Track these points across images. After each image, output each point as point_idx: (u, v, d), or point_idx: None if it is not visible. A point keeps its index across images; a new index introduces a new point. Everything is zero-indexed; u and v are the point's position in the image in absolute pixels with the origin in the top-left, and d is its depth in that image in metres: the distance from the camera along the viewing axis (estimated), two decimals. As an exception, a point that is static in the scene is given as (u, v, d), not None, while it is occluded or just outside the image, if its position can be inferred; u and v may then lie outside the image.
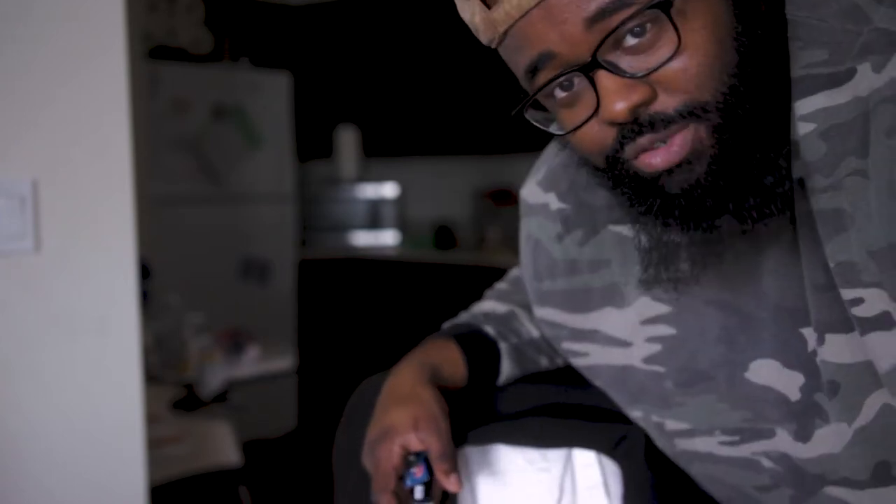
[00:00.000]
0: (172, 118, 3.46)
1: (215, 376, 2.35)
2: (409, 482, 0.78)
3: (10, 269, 1.15)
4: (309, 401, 3.76)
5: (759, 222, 0.60)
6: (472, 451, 0.87)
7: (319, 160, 4.35)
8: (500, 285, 1.04)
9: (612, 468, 0.86)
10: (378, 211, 4.28)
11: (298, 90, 4.01)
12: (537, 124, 0.63)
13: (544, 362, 0.96)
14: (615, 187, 0.63)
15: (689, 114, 0.57)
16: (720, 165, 0.58)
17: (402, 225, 4.32)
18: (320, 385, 3.82)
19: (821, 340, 0.64)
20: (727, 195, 0.59)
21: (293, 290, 3.93)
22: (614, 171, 0.62)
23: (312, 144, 4.25)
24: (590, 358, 0.83)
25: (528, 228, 0.87)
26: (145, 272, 2.23)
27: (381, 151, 4.22)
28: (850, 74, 0.58)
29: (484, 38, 0.63)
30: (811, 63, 0.60)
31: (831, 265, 0.60)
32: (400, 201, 4.31)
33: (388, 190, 4.28)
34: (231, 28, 3.99)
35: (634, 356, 0.78)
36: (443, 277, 3.72)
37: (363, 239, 4.26)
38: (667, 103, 0.57)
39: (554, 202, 0.83)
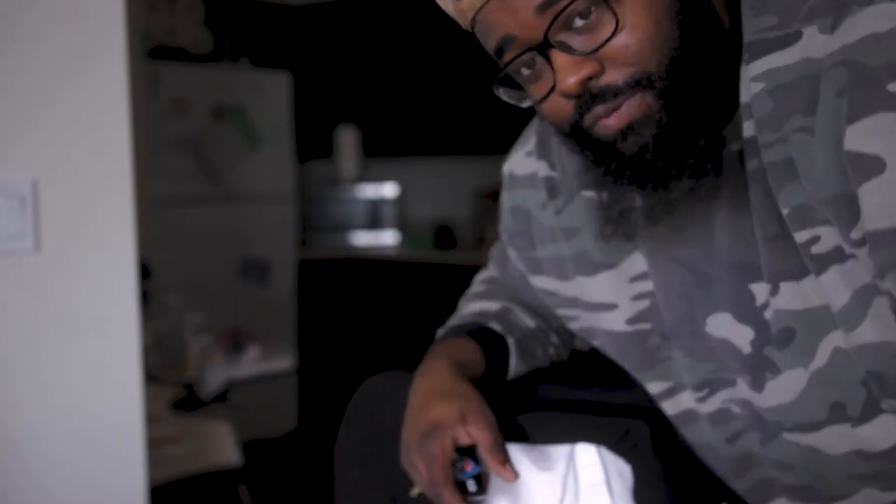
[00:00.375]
0: (172, 118, 3.46)
1: (215, 376, 2.34)
2: (460, 476, 0.78)
3: (10, 269, 1.15)
4: (309, 401, 3.76)
5: (697, 180, 0.66)
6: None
7: (319, 160, 4.35)
8: (476, 289, 1.05)
9: (615, 467, 0.86)
10: (378, 211, 4.28)
11: (298, 90, 4.01)
12: (510, 100, 0.72)
13: (540, 352, 0.98)
14: (582, 151, 0.70)
15: (636, 83, 0.64)
16: (667, 131, 0.64)
17: (402, 225, 4.32)
18: (320, 385, 3.82)
19: (775, 290, 0.69)
20: (671, 157, 0.65)
21: (293, 290, 3.92)
22: (578, 137, 0.69)
23: (312, 144, 4.25)
24: (581, 321, 0.87)
25: (515, 200, 0.92)
26: (145, 272, 2.23)
27: (381, 151, 4.22)
28: (797, 36, 0.63)
29: (463, 25, 0.70)
30: (762, 28, 0.65)
31: (784, 212, 0.65)
32: (400, 201, 4.31)
33: (388, 190, 4.28)
34: (231, 28, 3.98)
35: (618, 319, 0.82)
36: (443, 277, 3.71)
37: (363, 239, 4.26)
38: (615, 76, 0.64)
39: (543, 170, 0.88)
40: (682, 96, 0.64)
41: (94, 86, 1.20)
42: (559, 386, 0.94)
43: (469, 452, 0.79)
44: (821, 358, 0.68)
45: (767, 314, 0.70)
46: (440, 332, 0.99)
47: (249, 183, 3.72)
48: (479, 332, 0.94)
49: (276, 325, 3.76)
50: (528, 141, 0.92)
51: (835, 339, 0.67)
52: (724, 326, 0.74)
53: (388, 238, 4.26)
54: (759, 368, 0.73)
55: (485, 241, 3.90)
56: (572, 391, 0.91)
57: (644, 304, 0.80)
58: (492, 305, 0.98)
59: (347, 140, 4.21)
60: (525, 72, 0.69)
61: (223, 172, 3.63)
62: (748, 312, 0.72)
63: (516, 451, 0.86)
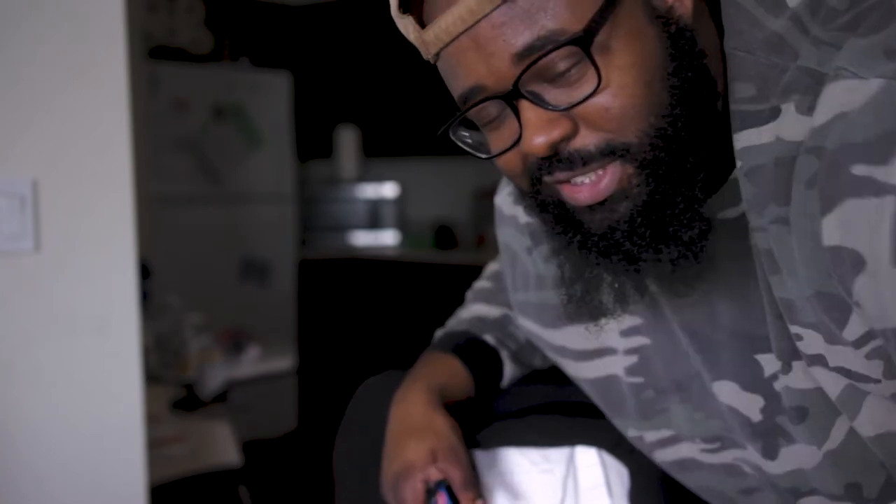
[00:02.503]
0: (172, 118, 3.46)
1: (215, 376, 2.34)
2: None
3: (10, 269, 1.15)
4: (309, 401, 3.76)
5: (675, 267, 0.59)
6: (474, 454, 0.87)
7: (319, 160, 4.35)
8: (483, 284, 1.02)
9: (615, 469, 0.86)
10: (378, 211, 4.28)
11: (298, 90, 4.01)
12: (466, 147, 0.63)
13: (538, 363, 0.97)
14: (541, 212, 0.63)
15: (611, 153, 0.56)
16: (642, 211, 0.57)
17: (402, 225, 4.31)
18: (320, 385, 3.82)
19: (787, 367, 0.63)
20: (646, 242, 0.58)
21: (293, 290, 3.92)
22: (538, 196, 0.62)
23: (312, 144, 4.24)
24: (568, 370, 0.84)
25: (505, 238, 0.87)
26: (145, 272, 2.23)
27: (381, 151, 4.22)
28: (774, 114, 0.57)
29: (423, 56, 0.63)
30: (741, 98, 0.59)
31: (777, 298, 0.60)
32: (400, 201, 4.30)
33: (388, 190, 4.28)
34: (231, 28, 3.98)
35: (618, 365, 0.78)
36: (443, 277, 3.71)
37: (363, 239, 4.26)
38: (587, 139, 0.57)
39: (521, 216, 0.83)
40: (666, 172, 0.57)
41: (94, 86, 1.20)
42: (557, 386, 0.93)
43: (446, 482, 0.79)
44: (835, 439, 0.64)
45: (777, 386, 0.66)
46: (438, 333, 0.98)
47: (249, 183, 3.72)
48: (471, 345, 0.91)
49: (276, 325, 3.75)
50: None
51: (848, 421, 0.63)
52: (731, 394, 0.69)
53: (388, 238, 4.26)
54: (772, 436, 0.68)
55: (485, 241, 3.90)
56: (570, 391, 0.91)
57: (634, 358, 0.75)
58: (492, 312, 0.96)
59: (347, 140, 4.21)
60: (487, 117, 0.61)
61: (223, 172, 3.63)
62: (756, 382, 0.67)
63: (516, 454, 0.86)
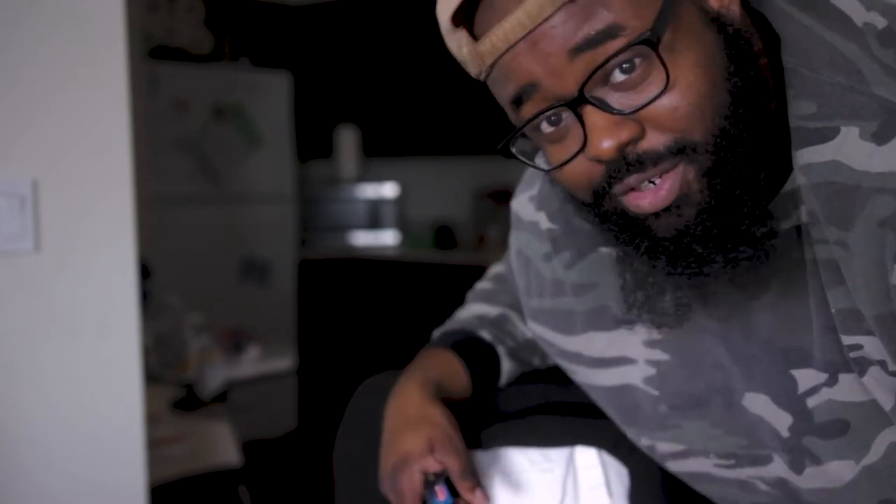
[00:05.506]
0: (172, 118, 3.46)
1: (215, 376, 2.34)
2: None
3: (10, 269, 1.15)
4: (309, 401, 3.76)
5: (750, 271, 0.59)
6: (474, 454, 0.87)
7: (319, 160, 4.35)
8: (484, 285, 1.02)
9: (615, 469, 0.86)
10: (378, 211, 4.28)
11: (298, 90, 4.01)
12: (523, 159, 0.63)
13: (537, 362, 0.96)
14: (602, 223, 0.62)
15: (679, 151, 0.56)
16: (710, 213, 0.57)
17: (402, 225, 4.31)
18: (320, 385, 3.82)
19: (832, 380, 0.64)
20: (717, 244, 0.58)
21: (293, 290, 3.92)
22: (601, 207, 0.61)
23: (312, 144, 4.25)
24: (578, 376, 0.84)
25: (519, 243, 0.87)
26: (145, 272, 2.23)
27: (381, 151, 4.22)
28: (833, 133, 0.57)
29: (472, 71, 0.62)
30: (802, 115, 0.59)
31: (832, 311, 0.60)
32: (400, 201, 4.31)
33: (388, 190, 4.28)
34: (231, 28, 3.98)
35: (637, 375, 0.77)
36: (443, 277, 3.71)
37: (363, 239, 4.26)
38: (655, 141, 0.56)
39: (544, 221, 0.82)
40: (728, 174, 0.57)
41: (94, 86, 1.20)
42: (557, 385, 0.93)
43: (444, 474, 0.79)
44: (875, 452, 0.64)
45: (811, 402, 0.66)
46: (436, 333, 0.98)
47: (249, 183, 3.72)
48: (468, 342, 0.91)
49: (276, 325, 3.75)
50: (533, 185, 0.85)
51: (891, 435, 0.63)
52: (762, 406, 0.69)
53: (388, 238, 4.26)
54: (799, 454, 0.69)
55: (485, 240, 3.90)
56: (570, 390, 0.91)
57: (652, 370, 0.75)
58: (491, 311, 0.96)
59: (347, 140, 4.21)
60: (546, 129, 0.60)
61: (223, 172, 3.63)
62: (788, 399, 0.67)
63: (515, 454, 0.86)
